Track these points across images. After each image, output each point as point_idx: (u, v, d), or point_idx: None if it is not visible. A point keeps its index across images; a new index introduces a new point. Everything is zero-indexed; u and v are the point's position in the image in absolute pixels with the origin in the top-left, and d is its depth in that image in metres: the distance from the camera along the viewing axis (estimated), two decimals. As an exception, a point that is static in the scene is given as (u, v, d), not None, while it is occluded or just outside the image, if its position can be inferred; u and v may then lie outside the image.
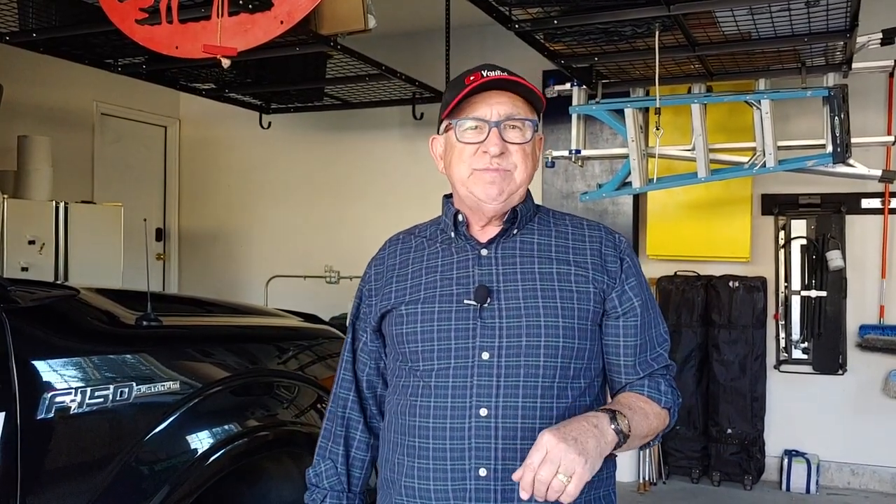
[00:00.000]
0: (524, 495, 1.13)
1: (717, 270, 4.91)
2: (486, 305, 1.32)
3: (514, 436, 1.28)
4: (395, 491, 1.36)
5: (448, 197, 1.46)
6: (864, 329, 4.70)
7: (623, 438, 1.21)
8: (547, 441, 1.14)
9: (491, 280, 1.34)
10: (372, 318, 1.45)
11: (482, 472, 1.27)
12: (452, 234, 1.41)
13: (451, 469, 1.29)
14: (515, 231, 1.39)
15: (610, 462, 1.39)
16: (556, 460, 1.12)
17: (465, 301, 1.33)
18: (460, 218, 1.39)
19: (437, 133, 1.45)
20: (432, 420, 1.31)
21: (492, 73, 1.35)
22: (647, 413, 1.30)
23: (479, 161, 1.34)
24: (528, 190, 1.43)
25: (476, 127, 1.34)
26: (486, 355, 1.30)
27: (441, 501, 1.30)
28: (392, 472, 1.37)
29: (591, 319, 1.35)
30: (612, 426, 1.20)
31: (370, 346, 1.48)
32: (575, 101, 4.31)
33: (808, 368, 4.82)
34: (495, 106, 1.34)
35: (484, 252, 1.37)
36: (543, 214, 1.44)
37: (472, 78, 1.34)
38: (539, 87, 5.14)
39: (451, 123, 1.38)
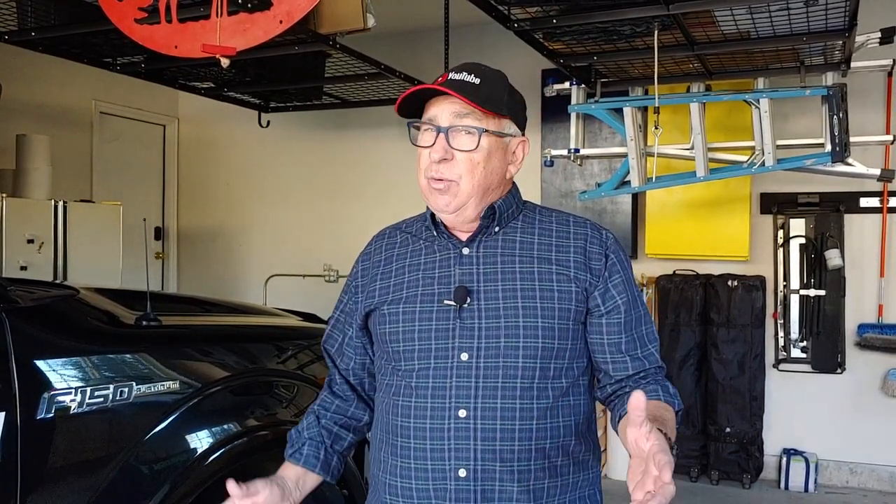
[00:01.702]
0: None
1: (715, 269, 4.91)
2: (465, 306, 1.31)
3: (493, 437, 1.27)
4: (380, 489, 1.37)
5: None
6: (862, 328, 4.71)
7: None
8: (667, 464, 1.03)
9: (471, 280, 1.33)
10: (358, 316, 1.44)
11: (462, 472, 1.27)
12: (434, 233, 1.40)
13: (432, 469, 1.29)
14: (497, 229, 1.38)
15: (595, 462, 1.40)
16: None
17: (445, 301, 1.32)
18: (438, 218, 1.39)
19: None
20: (413, 420, 1.31)
21: (457, 76, 1.32)
22: (672, 423, 1.27)
23: (428, 168, 1.33)
24: (514, 185, 1.41)
25: (427, 131, 1.34)
26: (465, 356, 1.29)
27: (423, 501, 1.30)
28: (378, 470, 1.38)
29: (574, 319, 1.33)
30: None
31: (355, 341, 1.49)
32: (574, 100, 4.32)
33: (807, 367, 4.82)
34: (445, 111, 1.31)
35: (465, 251, 1.36)
36: (529, 211, 1.42)
37: (440, 80, 1.33)
38: (538, 86, 5.18)
39: (409, 125, 1.38)
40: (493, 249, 1.36)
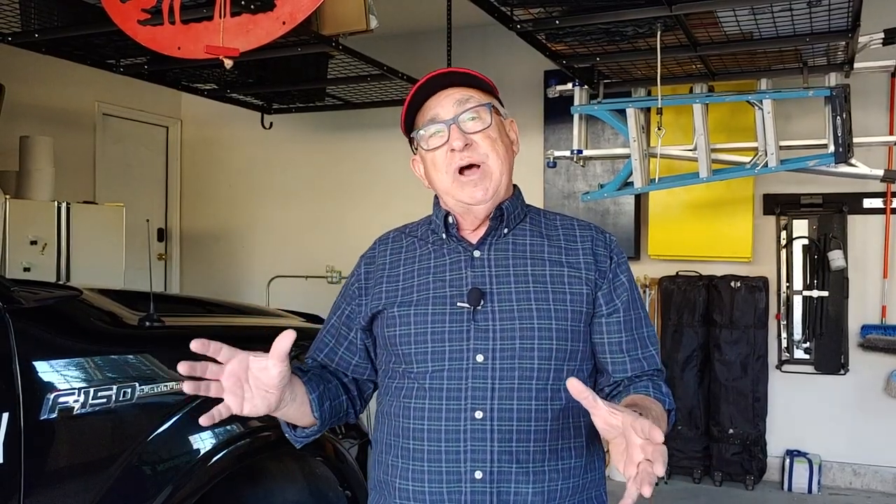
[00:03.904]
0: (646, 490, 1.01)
1: (718, 270, 4.91)
2: (479, 308, 1.31)
3: (509, 438, 1.28)
4: (388, 493, 1.35)
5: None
6: (865, 329, 4.70)
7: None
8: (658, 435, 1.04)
9: (484, 282, 1.34)
10: (363, 318, 1.42)
11: (478, 474, 1.27)
12: (444, 236, 1.40)
13: (447, 471, 1.28)
14: (506, 231, 1.39)
15: (601, 464, 1.41)
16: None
17: (459, 304, 1.32)
18: (451, 220, 1.39)
19: (413, 153, 1.45)
20: (427, 422, 1.31)
21: (437, 74, 1.37)
22: (658, 417, 1.28)
23: (451, 162, 1.34)
24: (517, 188, 1.43)
25: (438, 132, 1.35)
26: (480, 357, 1.29)
27: None
28: (386, 475, 1.37)
29: (584, 321, 1.35)
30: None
31: (357, 344, 1.45)
32: (576, 101, 4.32)
33: (810, 368, 4.82)
34: (446, 104, 1.35)
35: (476, 254, 1.37)
36: (534, 214, 1.44)
37: (420, 84, 1.37)
38: (541, 87, 5.19)
39: (414, 138, 1.40)
40: (504, 252, 1.37)
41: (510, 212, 1.38)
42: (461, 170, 1.34)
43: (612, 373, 1.37)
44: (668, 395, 1.36)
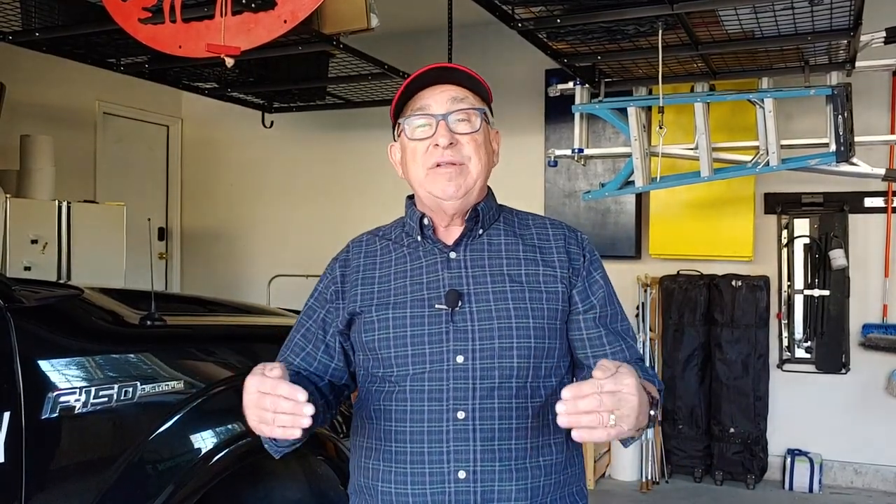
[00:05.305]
0: (560, 408, 1.04)
1: (719, 269, 4.91)
2: (457, 309, 1.31)
3: (491, 437, 1.28)
4: (370, 497, 1.35)
5: (411, 198, 1.45)
6: (867, 328, 4.70)
7: (651, 424, 1.18)
8: (630, 384, 1.06)
9: (461, 283, 1.34)
10: (340, 322, 1.41)
11: (461, 474, 1.28)
12: (419, 238, 1.40)
13: (430, 473, 1.29)
14: (481, 231, 1.39)
15: (580, 459, 1.42)
16: (619, 404, 1.05)
17: (437, 305, 1.32)
18: (426, 221, 1.39)
19: (394, 140, 1.45)
20: (409, 424, 1.31)
21: (439, 66, 1.37)
22: (653, 391, 1.27)
23: (430, 157, 1.34)
24: (489, 189, 1.43)
25: (425, 124, 1.35)
26: (460, 359, 1.30)
27: None
28: (367, 479, 1.36)
29: (560, 318, 1.36)
30: (651, 411, 1.17)
31: (332, 347, 1.41)
32: (578, 100, 4.32)
33: (811, 368, 4.81)
34: (440, 99, 1.35)
35: (452, 255, 1.37)
36: (507, 214, 1.45)
37: (421, 72, 1.36)
38: (542, 86, 5.18)
39: (400, 124, 1.39)
40: (480, 252, 1.38)
41: (485, 213, 1.39)
42: (437, 163, 1.33)
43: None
44: (656, 377, 1.37)
